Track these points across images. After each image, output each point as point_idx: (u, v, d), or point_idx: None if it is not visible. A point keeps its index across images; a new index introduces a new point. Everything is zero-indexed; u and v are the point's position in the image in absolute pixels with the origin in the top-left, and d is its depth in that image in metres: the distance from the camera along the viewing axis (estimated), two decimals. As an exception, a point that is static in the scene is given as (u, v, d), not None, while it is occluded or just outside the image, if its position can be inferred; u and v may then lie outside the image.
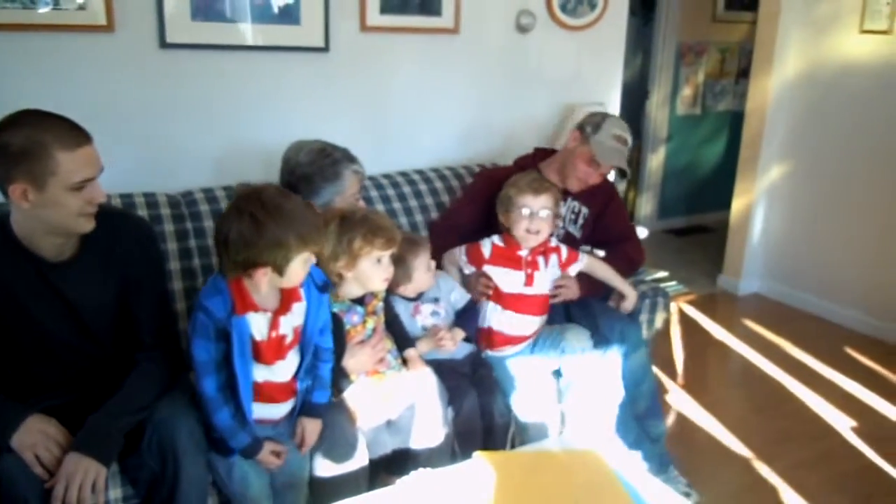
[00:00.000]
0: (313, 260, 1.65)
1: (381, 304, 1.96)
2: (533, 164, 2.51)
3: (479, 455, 1.72)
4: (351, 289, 1.90)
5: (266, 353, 1.67)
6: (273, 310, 1.66)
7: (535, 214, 2.16)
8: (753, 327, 3.84)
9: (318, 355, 1.81)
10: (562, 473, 1.69)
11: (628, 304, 2.37)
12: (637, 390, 2.32)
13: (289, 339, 1.70)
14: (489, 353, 2.25)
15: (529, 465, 1.72)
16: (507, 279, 2.22)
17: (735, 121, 5.47)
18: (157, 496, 1.62)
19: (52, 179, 1.49)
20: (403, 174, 2.74)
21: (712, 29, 5.23)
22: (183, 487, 1.59)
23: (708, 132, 5.52)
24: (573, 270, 2.33)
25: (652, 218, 5.50)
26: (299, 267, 1.61)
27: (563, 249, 2.31)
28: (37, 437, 1.51)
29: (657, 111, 5.24)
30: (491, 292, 2.22)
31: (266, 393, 1.72)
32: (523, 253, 2.23)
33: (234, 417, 1.66)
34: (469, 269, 2.27)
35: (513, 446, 2.10)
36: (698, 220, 5.64)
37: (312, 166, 2.06)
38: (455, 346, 2.07)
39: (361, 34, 2.70)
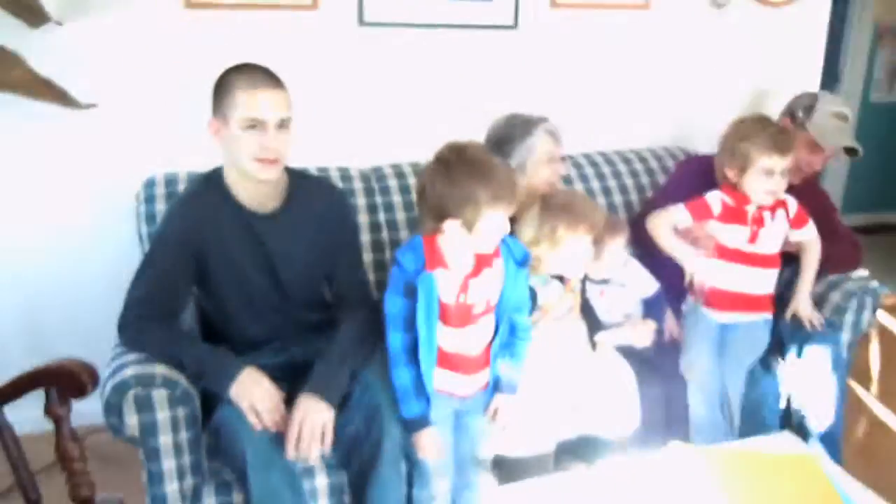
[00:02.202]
0: (506, 228, 1.61)
1: (579, 285, 1.92)
2: None
3: (676, 444, 1.65)
4: (551, 268, 1.87)
5: (454, 316, 1.65)
6: (465, 273, 1.64)
7: (775, 174, 1.98)
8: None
9: (515, 332, 1.78)
10: (769, 476, 1.58)
11: (802, 310, 2.14)
12: None
13: (478, 309, 1.67)
14: (714, 316, 2.10)
15: (733, 462, 1.62)
16: (731, 235, 2.06)
17: (937, 110, 4.96)
18: (357, 455, 1.67)
19: (231, 114, 1.64)
20: (603, 154, 2.69)
21: (918, 7, 4.75)
22: (386, 447, 1.63)
23: (904, 122, 5.03)
24: (803, 235, 2.12)
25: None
26: (490, 228, 1.57)
27: (791, 203, 2.09)
28: (252, 388, 1.59)
29: (847, 98, 4.82)
30: (713, 246, 2.07)
31: (456, 363, 1.70)
32: (751, 207, 2.04)
33: (413, 381, 1.66)
34: (686, 224, 2.10)
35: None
36: (886, 217, 5.17)
37: (504, 129, 2.08)
38: (651, 340, 1.99)
39: (551, 10, 2.65)
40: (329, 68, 2.46)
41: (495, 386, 1.78)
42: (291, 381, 1.68)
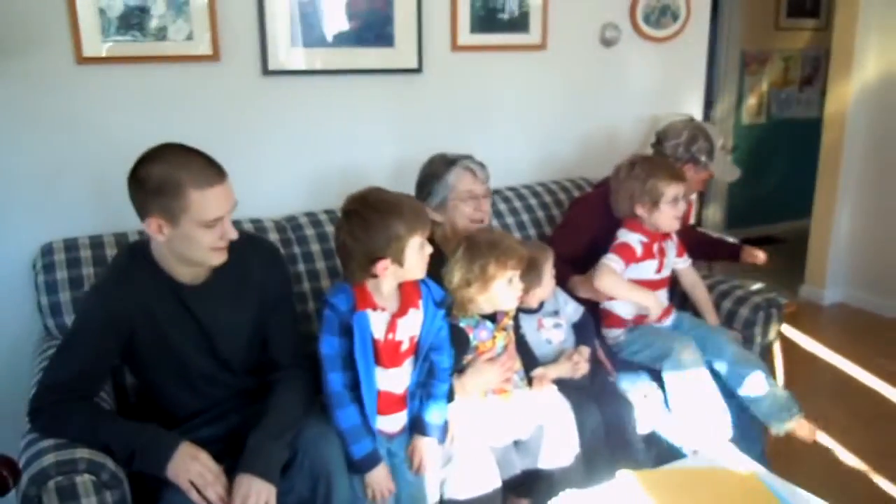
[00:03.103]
0: (429, 247, 1.70)
1: (511, 323, 1.94)
2: None
3: (624, 473, 1.67)
4: (481, 308, 1.88)
5: (384, 354, 1.70)
6: (392, 312, 1.71)
7: (679, 200, 2.19)
8: (844, 337, 3.73)
9: (433, 373, 1.80)
10: (716, 493, 1.63)
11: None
12: None
13: (404, 347, 1.74)
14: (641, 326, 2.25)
15: (680, 483, 1.67)
16: (645, 269, 2.23)
17: (800, 129, 5.38)
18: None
19: (184, 216, 1.52)
20: (513, 189, 2.75)
21: (775, 37, 5.17)
22: (336, 508, 1.57)
23: (773, 141, 5.43)
24: (684, 263, 2.38)
25: (719, 229, 5.40)
26: (416, 255, 1.67)
27: (674, 235, 2.33)
28: (189, 464, 1.51)
29: (722, 121, 5.17)
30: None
31: (383, 403, 1.74)
32: (655, 243, 2.24)
33: (359, 418, 1.68)
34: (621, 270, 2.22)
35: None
36: (766, 230, 5.53)
37: (425, 168, 2.15)
38: (587, 368, 2.03)
39: (452, 54, 2.70)
40: (235, 119, 2.39)
41: (413, 426, 1.78)
42: (232, 452, 1.59)
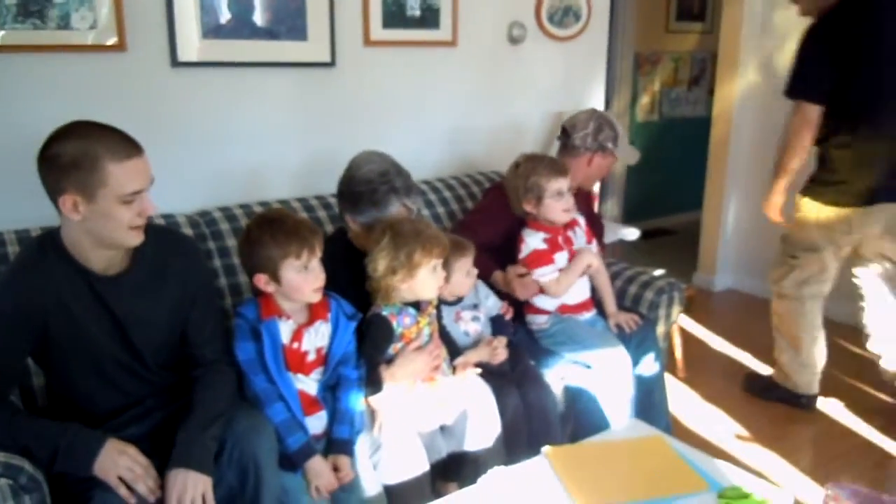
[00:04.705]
0: (316, 269, 1.75)
1: (434, 312, 1.98)
2: None
3: (548, 450, 1.76)
4: (403, 296, 1.91)
5: (291, 362, 1.77)
6: (299, 322, 1.79)
7: (563, 193, 2.27)
8: (734, 320, 4.00)
9: (341, 384, 1.85)
10: (631, 461, 1.74)
11: (619, 320, 2.43)
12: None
13: (311, 357, 1.80)
14: (573, 317, 2.36)
15: (598, 455, 1.76)
16: (557, 262, 2.32)
17: (689, 127, 5.70)
18: (234, 513, 1.59)
19: (102, 191, 1.48)
20: (427, 182, 2.79)
21: (666, 39, 5.46)
22: (265, 500, 1.56)
23: (665, 138, 5.72)
24: (594, 247, 2.46)
25: (616, 222, 5.65)
26: (294, 275, 1.72)
27: (581, 221, 2.44)
28: (117, 458, 1.47)
29: (619, 118, 5.40)
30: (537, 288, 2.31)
31: (303, 402, 1.78)
32: (560, 236, 2.34)
33: (289, 412, 1.72)
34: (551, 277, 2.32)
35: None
36: (660, 222, 5.83)
37: (367, 186, 1.99)
38: (505, 354, 2.09)
39: (365, 48, 2.72)
40: (144, 112, 2.32)
41: (329, 448, 1.79)
42: (157, 450, 1.56)
